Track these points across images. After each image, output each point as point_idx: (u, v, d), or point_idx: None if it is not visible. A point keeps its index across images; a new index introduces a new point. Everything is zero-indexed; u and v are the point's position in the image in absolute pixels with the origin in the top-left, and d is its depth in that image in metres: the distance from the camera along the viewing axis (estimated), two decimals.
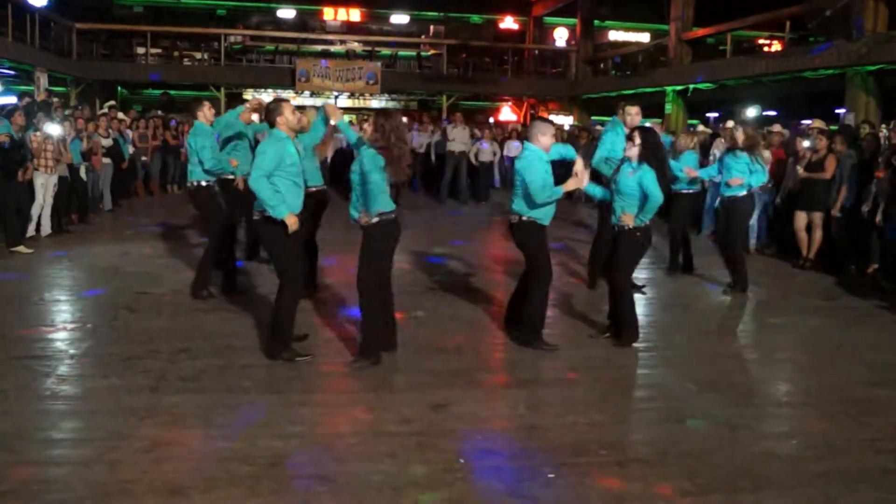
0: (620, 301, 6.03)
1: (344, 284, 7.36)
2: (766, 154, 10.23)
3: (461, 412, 4.68)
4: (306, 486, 3.73)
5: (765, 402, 5.17)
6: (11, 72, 18.24)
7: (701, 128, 13.98)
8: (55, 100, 14.25)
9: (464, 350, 5.93)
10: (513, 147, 17.39)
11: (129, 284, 7.70)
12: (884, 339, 6.61)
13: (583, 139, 16.35)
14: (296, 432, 4.32)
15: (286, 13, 26.01)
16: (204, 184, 7.17)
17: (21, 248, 9.15)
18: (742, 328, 7.19)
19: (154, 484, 3.68)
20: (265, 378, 5.17)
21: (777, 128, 11.18)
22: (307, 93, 23.27)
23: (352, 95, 24.26)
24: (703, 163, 9.88)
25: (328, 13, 26.25)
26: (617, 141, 7.22)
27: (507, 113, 25.81)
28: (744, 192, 7.84)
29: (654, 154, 5.87)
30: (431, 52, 24.87)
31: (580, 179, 5.81)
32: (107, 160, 12.79)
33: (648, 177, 5.78)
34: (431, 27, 26.25)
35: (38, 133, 9.83)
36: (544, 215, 5.81)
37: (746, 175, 7.76)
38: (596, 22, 24.10)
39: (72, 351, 5.68)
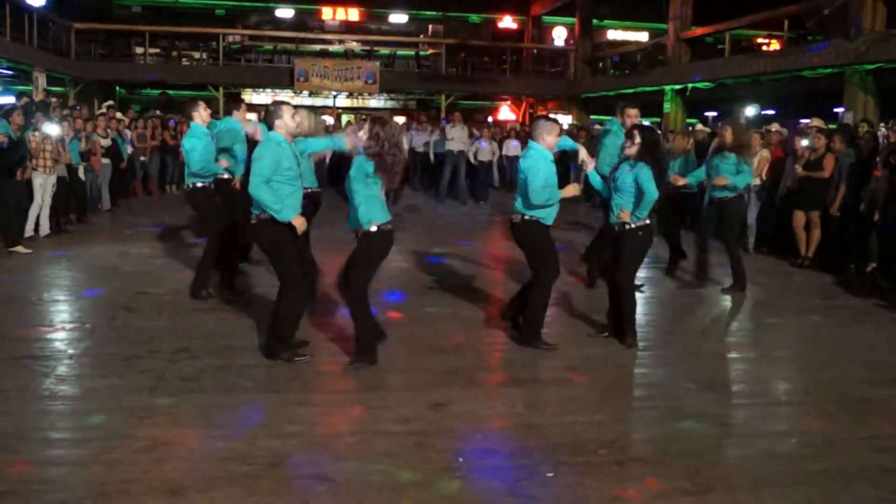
0: (624, 301, 6.02)
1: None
2: (765, 153, 10.25)
3: (460, 411, 4.68)
4: (305, 485, 3.73)
5: (763, 401, 5.17)
6: (10, 72, 18.24)
7: (699, 127, 13.98)
8: (53, 100, 14.25)
9: (463, 349, 5.93)
10: (511, 146, 17.40)
11: (128, 284, 7.70)
12: (882, 338, 6.62)
13: (581, 138, 16.31)
14: (295, 432, 4.32)
15: (285, 13, 26.01)
16: (199, 185, 7.16)
17: (20, 249, 9.15)
18: (740, 327, 7.20)
19: (153, 484, 3.68)
20: (264, 378, 5.17)
21: (775, 127, 11.18)
22: (306, 92, 23.28)
23: (350, 95, 24.26)
24: (702, 163, 9.86)
25: (327, 13, 26.25)
26: (620, 144, 7.22)
27: (505, 112, 25.81)
28: (734, 194, 7.81)
29: (651, 152, 5.88)
30: (430, 51, 24.87)
31: (576, 186, 5.87)
32: (105, 160, 12.79)
33: (644, 173, 5.79)
34: (430, 26, 26.25)
35: (36, 133, 9.82)
36: (547, 215, 5.81)
37: (732, 176, 7.69)
38: (594, 21, 24.09)
39: (71, 351, 5.68)
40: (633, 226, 5.88)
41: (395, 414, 4.61)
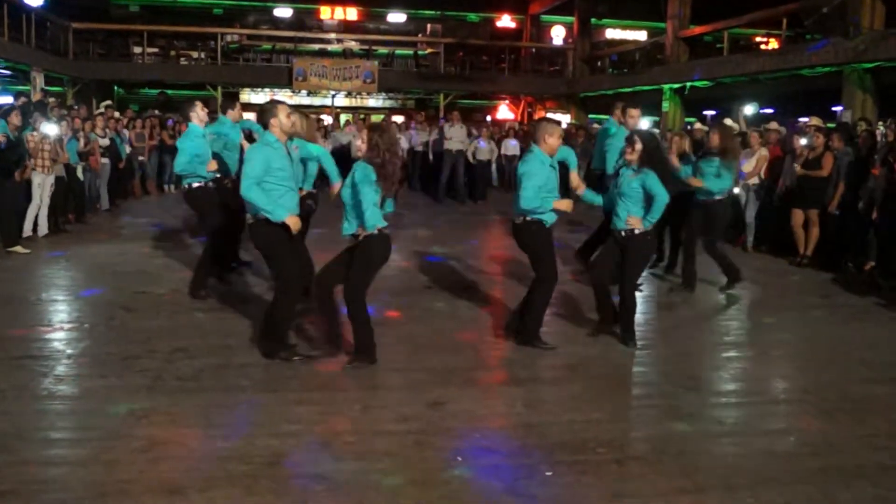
0: (627, 304, 6.02)
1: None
2: (764, 152, 10.25)
3: (459, 410, 4.68)
4: (304, 485, 3.73)
5: (762, 400, 5.17)
6: (8, 72, 18.22)
7: (698, 125, 13.98)
8: (51, 99, 14.22)
9: (461, 348, 5.93)
10: (510, 145, 17.39)
11: (127, 284, 7.69)
12: (881, 337, 6.62)
13: (580, 137, 16.36)
14: (293, 431, 4.32)
15: (283, 12, 25.98)
16: (196, 185, 7.15)
17: (18, 248, 9.14)
18: (739, 326, 7.20)
19: (152, 483, 3.67)
20: (263, 377, 5.17)
21: (774, 125, 11.19)
22: (304, 92, 23.27)
23: (349, 94, 24.25)
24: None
25: (325, 12, 26.22)
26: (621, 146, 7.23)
27: (504, 111, 25.80)
28: (721, 196, 7.78)
29: (651, 157, 5.89)
30: (428, 50, 24.85)
31: (570, 203, 5.84)
32: (104, 160, 12.78)
33: (652, 179, 5.81)
34: (428, 26, 26.23)
35: (35, 133, 9.82)
36: (548, 216, 5.81)
37: (712, 179, 7.62)
38: (593, 20, 24.08)
39: (69, 351, 5.68)
40: (641, 231, 5.88)
41: (394, 413, 4.61)
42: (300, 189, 6.01)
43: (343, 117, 22.41)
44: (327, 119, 21.32)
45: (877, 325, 6.99)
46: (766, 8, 16.65)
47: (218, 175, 7.49)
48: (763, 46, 23.13)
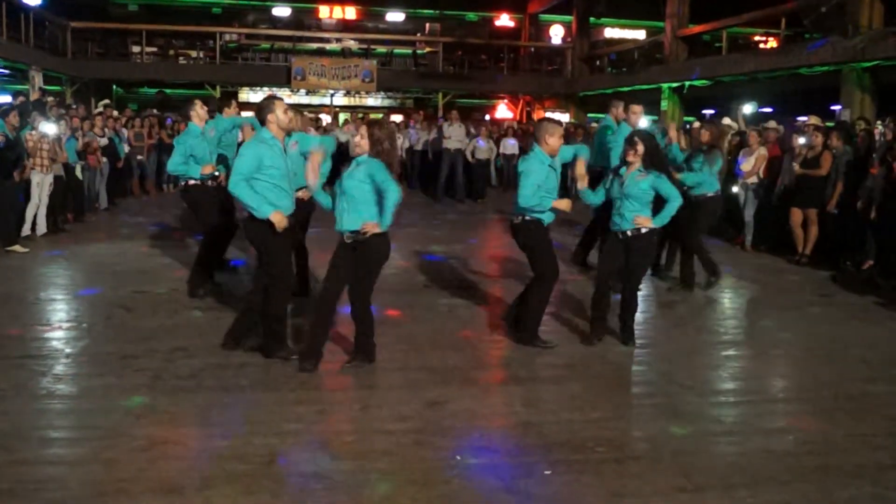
0: (632, 304, 6.03)
1: None
2: (763, 151, 10.25)
3: (458, 409, 4.68)
4: (303, 484, 3.73)
5: (760, 399, 5.17)
6: (6, 71, 18.20)
7: (696, 125, 13.97)
8: (50, 99, 14.22)
9: (460, 347, 5.93)
10: (508, 145, 17.39)
11: (125, 283, 7.69)
12: (880, 336, 6.63)
13: (579, 136, 16.35)
14: (292, 430, 4.32)
15: (281, 11, 25.97)
16: (192, 182, 7.14)
17: (17, 248, 9.14)
18: (737, 324, 7.20)
19: (150, 482, 3.67)
20: (261, 376, 5.16)
21: (773, 124, 11.19)
22: (303, 91, 23.25)
23: (347, 93, 24.24)
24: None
25: (323, 11, 26.22)
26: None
27: (503, 110, 25.79)
28: (711, 193, 7.79)
29: (653, 157, 5.89)
30: (427, 49, 24.85)
31: (569, 203, 5.87)
32: (103, 159, 12.77)
33: (663, 181, 5.82)
34: (427, 25, 26.24)
35: (33, 132, 9.81)
36: (546, 216, 5.81)
37: (691, 174, 7.66)
38: (592, 19, 24.06)
39: (68, 350, 5.68)
40: (647, 230, 5.86)
41: (393, 412, 4.61)
42: (303, 188, 6.00)
43: (342, 116, 22.41)
44: (326, 118, 21.29)
45: (876, 324, 6.99)
46: (765, 7, 16.65)
47: (216, 174, 7.48)
48: (762, 45, 23.13)
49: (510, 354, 5.84)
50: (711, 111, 21.34)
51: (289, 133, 5.52)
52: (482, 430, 4.43)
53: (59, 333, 6.09)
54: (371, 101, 25.94)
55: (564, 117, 23.20)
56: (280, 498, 3.60)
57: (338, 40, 24.65)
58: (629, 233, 5.87)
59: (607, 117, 8.61)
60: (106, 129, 13.21)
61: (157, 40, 23.06)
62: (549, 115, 15.84)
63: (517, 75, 24.58)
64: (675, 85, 18.82)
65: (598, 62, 24.55)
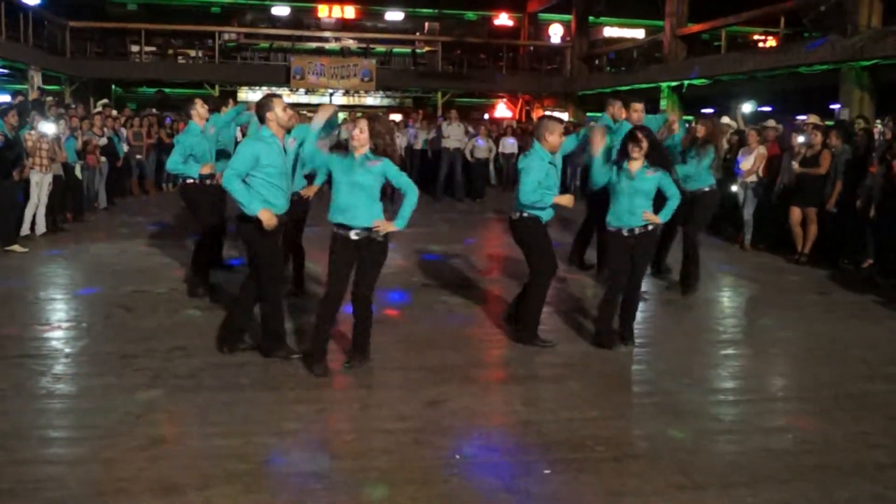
0: (635, 301, 6.04)
1: None
2: (762, 150, 10.25)
3: (457, 408, 4.68)
4: (302, 483, 3.73)
5: (759, 398, 5.17)
6: (5, 70, 18.20)
7: (695, 124, 13.96)
8: (49, 98, 14.22)
9: (460, 346, 5.93)
10: (508, 144, 17.39)
11: (125, 283, 7.69)
12: (879, 334, 6.63)
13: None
14: (292, 430, 4.32)
15: (280, 10, 25.97)
16: (190, 181, 7.14)
17: (16, 247, 9.13)
18: (737, 323, 7.20)
19: (150, 482, 3.67)
20: (261, 376, 5.16)
21: (772, 123, 11.19)
22: (302, 90, 23.24)
23: (347, 93, 24.23)
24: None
25: (323, 10, 26.23)
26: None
27: (502, 110, 25.79)
28: (707, 188, 7.78)
29: (657, 155, 5.89)
30: (426, 48, 24.85)
31: (571, 199, 5.91)
32: (102, 158, 12.77)
33: (668, 178, 5.85)
34: (426, 24, 26.24)
35: (32, 132, 9.80)
36: (545, 213, 5.81)
37: (685, 167, 7.63)
38: (591, 18, 24.08)
39: (67, 349, 5.68)
40: (652, 227, 5.86)
41: (392, 411, 4.61)
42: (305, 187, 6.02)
43: (341, 115, 22.38)
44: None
45: (875, 323, 7.00)
46: (764, 6, 16.65)
47: (215, 174, 7.47)
48: (761, 44, 23.12)
49: (509, 353, 5.84)
50: (710, 110, 21.31)
51: (288, 130, 5.51)
52: (481, 429, 4.43)
53: (58, 333, 6.09)
54: (370, 100, 25.93)
55: (563, 116, 23.19)
56: (279, 497, 3.61)
57: (337, 39, 24.66)
58: (637, 230, 5.83)
59: (604, 115, 8.61)
60: (105, 129, 13.21)
61: (156, 40, 23.06)
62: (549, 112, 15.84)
63: (516, 74, 24.59)
64: (674, 84, 18.82)
65: (597, 61, 24.54)
